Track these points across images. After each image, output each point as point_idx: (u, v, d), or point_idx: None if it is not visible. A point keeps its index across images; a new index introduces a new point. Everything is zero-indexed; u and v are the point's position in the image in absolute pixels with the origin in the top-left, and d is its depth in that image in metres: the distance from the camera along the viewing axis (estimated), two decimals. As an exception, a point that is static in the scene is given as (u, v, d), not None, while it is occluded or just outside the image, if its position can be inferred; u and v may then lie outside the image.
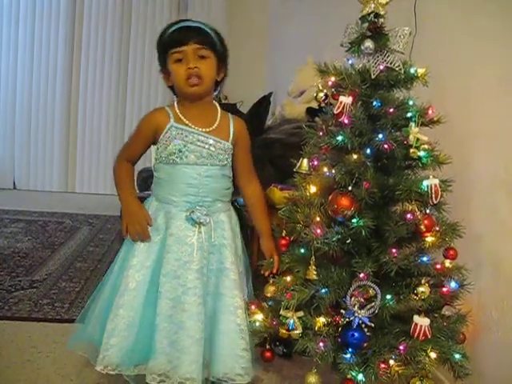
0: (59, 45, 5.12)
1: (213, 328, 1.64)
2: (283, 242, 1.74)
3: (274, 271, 1.73)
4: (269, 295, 1.72)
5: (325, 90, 1.74)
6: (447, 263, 1.63)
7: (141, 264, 1.64)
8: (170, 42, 1.63)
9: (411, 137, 1.57)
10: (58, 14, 5.08)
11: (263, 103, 2.98)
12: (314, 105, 2.79)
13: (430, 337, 1.57)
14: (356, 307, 1.55)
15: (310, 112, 3.00)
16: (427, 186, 1.57)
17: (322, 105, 1.80)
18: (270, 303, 1.73)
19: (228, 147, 1.69)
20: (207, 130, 1.66)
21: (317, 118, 1.90)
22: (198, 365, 1.57)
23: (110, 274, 1.73)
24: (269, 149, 2.61)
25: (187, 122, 1.65)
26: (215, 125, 1.69)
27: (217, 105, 1.74)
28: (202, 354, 1.59)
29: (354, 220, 1.58)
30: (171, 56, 1.63)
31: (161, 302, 1.60)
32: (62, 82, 5.17)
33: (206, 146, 1.65)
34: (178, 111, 1.67)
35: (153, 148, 1.74)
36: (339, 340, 1.57)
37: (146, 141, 1.71)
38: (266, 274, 1.74)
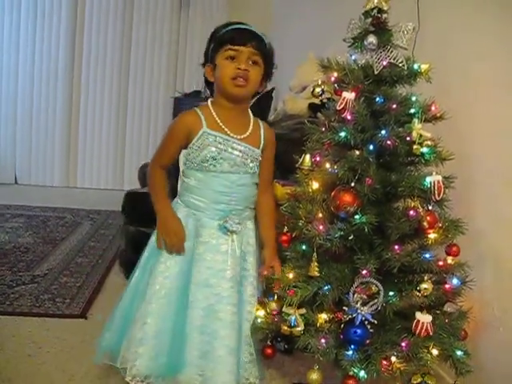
0: (61, 40, 5.12)
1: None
2: (285, 237, 1.73)
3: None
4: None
5: (323, 86, 1.73)
6: (449, 260, 1.63)
7: (169, 271, 1.60)
8: (229, 38, 1.59)
9: (414, 133, 1.57)
10: (60, 10, 5.07)
11: (265, 99, 2.96)
12: (317, 100, 2.78)
13: (431, 334, 1.56)
14: (359, 304, 1.54)
15: (313, 108, 2.99)
16: (430, 183, 1.56)
17: (320, 99, 1.77)
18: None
19: (258, 155, 1.67)
20: (241, 136, 1.63)
21: (319, 114, 1.89)
22: (234, 375, 1.55)
23: (131, 281, 1.69)
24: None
25: (222, 126, 1.61)
26: (248, 132, 1.66)
27: (250, 112, 1.71)
28: (237, 363, 1.57)
29: (356, 216, 1.57)
30: (224, 52, 1.59)
31: (191, 312, 1.56)
32: (63, 77, 5.17)
33: (240, 154, 1.62)
34: (213, 112, 1.63)
35: (182, 152, 1.69)
36: (341, 337, 1.57)
37: (179, 145, 1.65)
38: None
